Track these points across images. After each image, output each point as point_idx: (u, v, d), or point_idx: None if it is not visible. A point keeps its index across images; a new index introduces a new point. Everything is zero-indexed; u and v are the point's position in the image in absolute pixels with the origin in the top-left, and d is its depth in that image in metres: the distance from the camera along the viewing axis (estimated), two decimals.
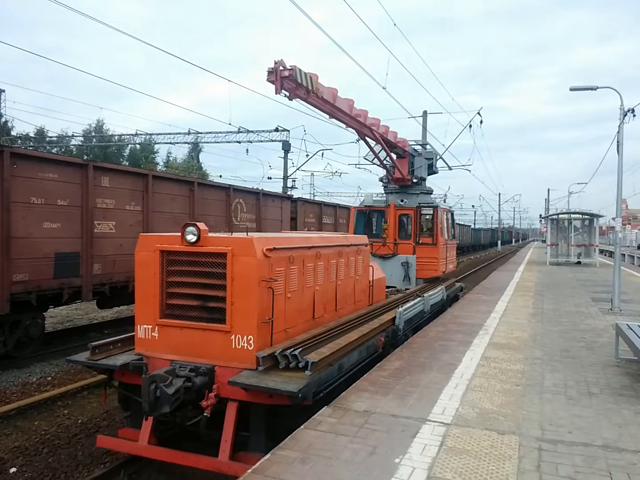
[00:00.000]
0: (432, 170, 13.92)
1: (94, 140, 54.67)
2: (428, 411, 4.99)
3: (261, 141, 30.54)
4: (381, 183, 13.67)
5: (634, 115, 12.33)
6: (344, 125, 10.23)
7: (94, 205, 10.35)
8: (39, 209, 9.28)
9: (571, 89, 13.45)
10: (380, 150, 11.80)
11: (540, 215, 56.49)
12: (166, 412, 4.80)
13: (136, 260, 5.67)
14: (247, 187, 17.03)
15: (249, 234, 5.60)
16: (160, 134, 35.29)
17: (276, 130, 29.77)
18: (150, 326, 5.57)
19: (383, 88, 17.29)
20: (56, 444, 6.32)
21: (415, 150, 13.45)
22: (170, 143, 35.75)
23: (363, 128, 10.29)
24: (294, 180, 32.94)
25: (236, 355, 5.19)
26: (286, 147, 29.83)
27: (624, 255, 41.07)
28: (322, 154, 31.52)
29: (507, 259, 38.31)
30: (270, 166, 37.80)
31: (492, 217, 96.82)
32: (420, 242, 12.39)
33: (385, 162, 12.43)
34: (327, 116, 9.35)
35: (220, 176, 42.04)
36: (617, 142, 12.26)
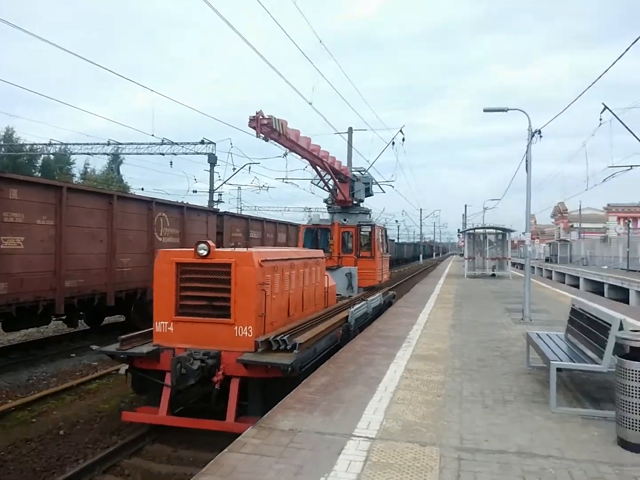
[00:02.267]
0: (368, 193, 16.14)
1: (3, 149, 50.99)
2: (353, 426, 5.01)
3: (186, 153, 29.81)
4: (325, 204, 15.86)
5: (541, 136, 13.28)
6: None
7: (0, 219, 9.60)
8: None
9: (485, 110, 14.22)
10: (325, 174, 13.81)
11: (459, 229, 59.30)
12: (191, 384, 6.13)
13: (155, 270, 7.17)
14: (170, 201, 16.51)
15: (248, 249, 7.51)
16: (77, 144, 33.46)
17: (202, 142, 29.22)
18: (166, 322, 6.97)
19: (309, 103, 17.54)
20: None
21: (354, 176, 15.59)
22: (88, 154, 33.97)
23: (316, 159, 12.34)
24: (221, 194, 32.42)
25: (238, 341, 6.70)
26: (212, 160, 29.34)
27: (533, 267, 43.95)
28: (249, 167, 31.29)
29: (428, 272, 39.77)
30: (195, 179, 37.24)
31: (414, 232, 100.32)
32: (360, 255, 14.41)
33: (329, 185, 14.58)
34: (288, 150, 11.47)
35: (142, 189, 40.46)
36: (526, 161, 13.11)
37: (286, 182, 32.79)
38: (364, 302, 11.51)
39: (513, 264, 36.68)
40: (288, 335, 6.89)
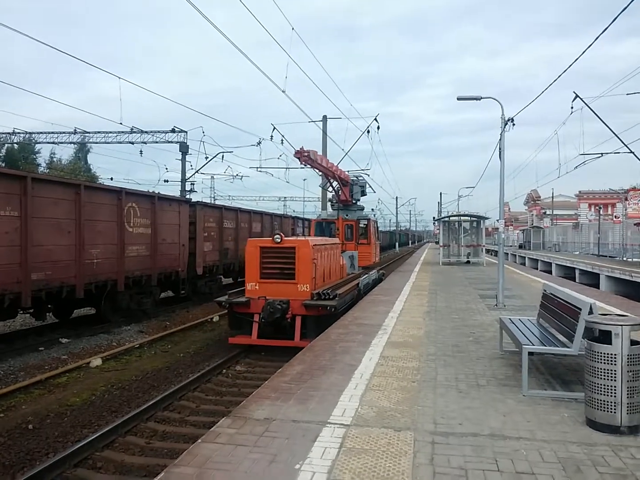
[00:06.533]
0: (363, 193, 21.05)
1: None
2: (329, 414, 4.99)
3: (156, 142, 29.25)
4: (330, 203, 21.11)
5: (514, 124, 13.33)
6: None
7: None
8: None
9: (458, 99, 14.21)
10: (330, 180, 18.42)
11: (434, 217, 59.87)
12: (277, 318, 10.16)
13: (246, 251, 11.35)
14: (141, 191, 16.14)
15: (305, 237, 12.52)
16: (42, 132, 32.50)
17: (173, 131, 28.69)
18: (254, 283, 11.04)
19: (282, 91, 17.38)
20: None
21: (353, 181, 20.20)
22: (54, 143, 33.03)
23: (329, 172, 16.94)
24: (193, 184, 31.88)
25: (300, 294, 10.78)
26: (184, 148, 28.87)
27: (507, 254, 44.61)
28: (222, 156, 30.88)
29: (404, 260, 40.06)
30: (167, 169, 36.18)
31: (390, 220, 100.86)
32: (359, 242, 19.38)
33: (334, 188, 19.12)
34: (311, 167, 15.54)
35: (112, 179, 39.45)
36: (499, 148, 13.19)
37: (260, 171, 32.54)
38: (367, 275, 16.36)
39: (487, 251, 37.17)
40: (330, 290, 11.13)
